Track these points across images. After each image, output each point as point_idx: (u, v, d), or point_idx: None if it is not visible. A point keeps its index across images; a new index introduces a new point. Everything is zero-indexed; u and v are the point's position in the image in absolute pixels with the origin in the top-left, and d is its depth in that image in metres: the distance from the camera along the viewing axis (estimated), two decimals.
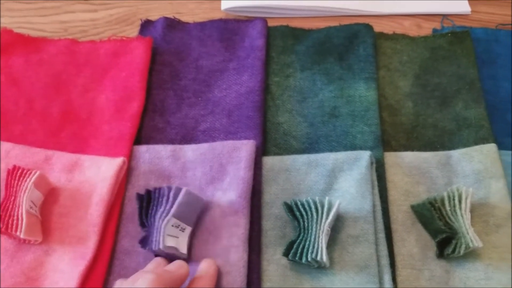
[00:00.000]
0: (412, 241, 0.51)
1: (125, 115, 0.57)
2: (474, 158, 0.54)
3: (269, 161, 0.55)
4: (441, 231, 0.48)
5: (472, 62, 0.63)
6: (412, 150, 0.57)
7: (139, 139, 0.57)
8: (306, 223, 0.48)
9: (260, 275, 0.48)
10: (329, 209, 0.47)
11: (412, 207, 0.52)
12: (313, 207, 0.48)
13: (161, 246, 0.46)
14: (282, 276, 0.49)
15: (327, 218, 0.47)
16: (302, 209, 0.48)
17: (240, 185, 0.50)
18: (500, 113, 0.60)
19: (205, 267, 0.46)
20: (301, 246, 0.47)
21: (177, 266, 0.44)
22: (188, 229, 0.49)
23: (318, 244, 0.46)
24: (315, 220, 0.47)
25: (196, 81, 0.62)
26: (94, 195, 0.51)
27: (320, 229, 0.47)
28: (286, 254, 0.47)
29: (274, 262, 0.49)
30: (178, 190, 0.48)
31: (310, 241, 0.47)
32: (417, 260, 0.50)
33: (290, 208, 0.49)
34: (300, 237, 0.47)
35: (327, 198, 0.48)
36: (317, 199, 0.48)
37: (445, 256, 0.49)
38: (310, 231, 0.47)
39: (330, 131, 0.58)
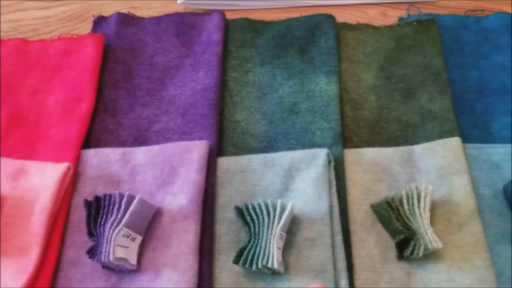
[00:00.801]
0: (372, 243, 0.48)
1: (73, 117, 0.55)
2: (437, 153, 0.52)
3: (224, 162, 0.53)
4: (399, 232, 0.46)
5: (438, 51, 0.60)
6: (375, 145, 0.54)
7: (88, 142, 0.54)
8: (257, 228, 0.45)
9: (211, 284, 0.46)
10: (282, 212, 0.45)
11: (372, 206, 0.50)
12: (264, 210, 0.45)
13: (111, 258, 0.43)
14: (235, 284, 0.46)
15: (279, 222, 0.45)
16: (253, 213, 0.46)
17: (191, 188, 0.48)
18: (467, 104, 0.58)
19: None
20: (251, 252, 0.44)
21: None
22: (139, 239, 0.47)
23: (269, 250, 0.44)
24: (266, 225, 0.45)
25: (150, 79, 0.59)
26: (37, 203, 0.48)
27: (271, 234, 0.45)
28: (236, 261, 0.45)
29: (227, 270, 0.47)
30: (131, 198, 0.46)
31: (261, 247, 0.44)
32: (376, 262, 0.47)
33: (241, 213, 0.46)
34: (251, 243, 0.45)
35: (279, 200, 0.46)
36: (269, 202, 0.46)
37: (405, 258, 0.47)
38: (261, 237, 0.45)
39: (290, 129, 0.55)
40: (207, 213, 0.49)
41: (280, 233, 0.45)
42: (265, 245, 0.44)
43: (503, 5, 0.67)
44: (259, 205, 0.46)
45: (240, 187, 0.51)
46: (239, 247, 0.46)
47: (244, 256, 0.45)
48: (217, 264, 0.47)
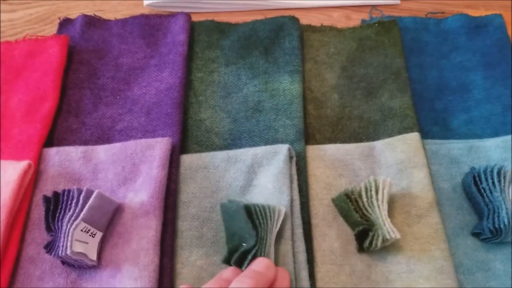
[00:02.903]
0: (333, 236, 0.49)
1: (36, 116, 0.55)
2: (397, 148, 0.53)
3: (187, 159, 0.53)
4: (358, 223, 0.47)
5: (399, 51, 0.62)
6: (337, 142, 0.55)
7: (52, 142, 0.54)
8: (262, 233, 0.44)
9: (172, 279, 0.46)
10: (279, 217, 0.45)
11: (332, 200, 0.50)
12: (268, 214, 0.45)
13: (68, 252, 0.43)
14: (197, 279, 0.46)
15: (276, 227, 0.45)
16: (260, 217, 0.44)
17: (152, 184, 0.48)
18: (427, 102, 0.59)
19: (264, 265, 0.42)
20: (256, 256, 0.44)
21: (266, 266, 0.41)
22: (99, 234, 0.46)
23: (271, 256, 0.44)
24: (269, 229, 0.44)
25: (115, 79, 0.59)
26: None
27: (271, 238, 0.45)
28: (239, 264, 0.44)
29: (189, 264, 0.47)
30: (90, 192, 0.45)
31: (265, 252, 0.44)
32: (338, 255, 0.48)
33: (250, 214, 0.44)
34: (256, 247, 0.43)
35: (277, 206, 0.46)
36: (270, 205, 0.45)
37: (365, 249, 0.47)
38: (264, 242, 0.44)
39: (253, 126, 0.56)
40: (168, 209, 0.49)
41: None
42: (268, 250, 0.44)
43: (463, 8, 0.69)
44: (263, 208, 0.45)
45: (203, 184, 0.51)
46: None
47: (247, 260, 0.43)
48: (179, 260, 0.47)
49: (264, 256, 0.43)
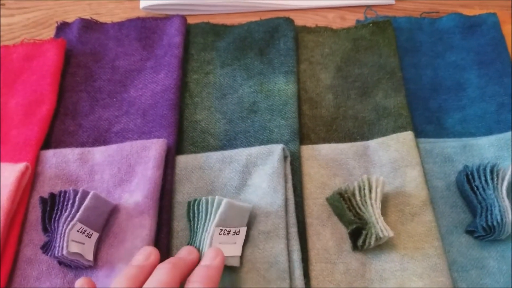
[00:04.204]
0: (328, 235, 0.49)
1: (34, 119, 0.55)
2: (391, 147, 0.53)
3: (182, 160, 0.53)
4: (352, 222, 0.47)
5: (393, 51, 0.62)
6: (331, 142, 0.56)
7: (49, 144, 0.55)
8: (196, 225, 0.46)
9: None
10: (217, 209, 0.45)
11: (327, 199, 0.51)
12: (203, 207, 0.46)
13: (64, 252, 0.43)
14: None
15: (214, 219, 0.45)
16: (196, 210, 0.46)
17: (147, 185, 0.48)
18: (422, 101, 0.60)
19: (211, 256, 0.42)
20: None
21: (188, 251, 0.44)
22: (95, 235, 0.47)
23: (202, 247, 0.45)
24: (203, 222, 0.46)
25: (111, 81, 0.60)
26: None
27: (205, 231, 0.45)
28: None
29: None
30: (85, 193, 0.46)
31: (196, 243, 0.45)
32: (332, 253, 0.48)
33: (188, 208, 0.47)
34: (190, 241, 0.46)
35: (217, 197, 0.46)
36: (209, 198, 0.46)
37: (359, 248, 0.47)
38: (198, 234, 0.46)
39: (248, 127, 0.56)
40: (164, 210, 0.49)
41: (221, 229, 0.45)
42: (199, 242, 0.45)
43: (457, 7, 0.69)
44: (200, 201, 0.46)
45: (198, 184, 0.52)
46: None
47: None
48: None
49: (196, 247, 0.45)
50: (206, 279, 0.39)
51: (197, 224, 0.46)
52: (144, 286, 0.38)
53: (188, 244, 0.46)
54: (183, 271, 0.41)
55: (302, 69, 0.62)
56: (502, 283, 0.47)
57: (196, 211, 0.47)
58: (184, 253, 0.44)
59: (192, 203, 0.47)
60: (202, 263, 0.42)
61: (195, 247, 0.45)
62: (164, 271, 0.39)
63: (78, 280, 0.41)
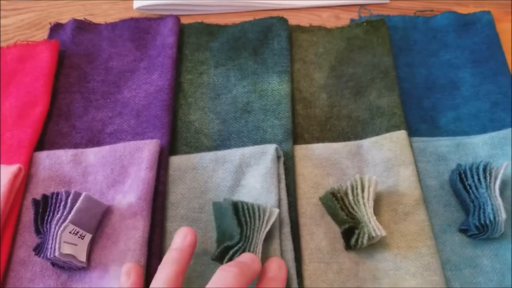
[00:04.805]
0: (321, 234, 0.49)
1: (27, 121, 0.55)
2: (384, 146, 0.53)
3: (176, 160, 0.53)
4: (344, 221, 0.47)
5: (387, 50, 0.62)
6: (325, 142, 0.55)
7: (42, 146, 0.55)
8: (248, 231, 0.44)
9: None
10: (270, 217, 0.45)
11: (320, 199, 0.51)
12: (257, 214, 0.45)
13: (56, 254, 0.43)
14: (186, 279, 0.47)
15: (266, 227, 0.45)
16: (247, 215, 0.45)
17: (140, 186, 0.49)
18: (416, 100, 0.60)
19: (275, 267, 0.42)
20: (238, 253, 0.43)
21: (252, 260, 0.41)
22: (88, 236, 0.47)
23: (256, 254, 0.44)
24: (256, 228, 0.45)
25: (105, 82, 0.60)
26: None
27: (259, 238, 0.45)
28: (220, 259, 0.44)
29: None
30: (77, 195, 0.46)
31: (249, 250, 0.44)
32: (325, 253, 0.48)
33: (237, 211, 0.45)
34: (240, 244, 0.44)
35: (269, 206, 0.46)
36: (260, 205, 0.45)
37: (352, 247, 0.47)
38: (250, 240, 0.44)
39: (242, 127, 0.56)
40: (157, 210, 0.49)
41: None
42: (253, 249, 0.44)
43: (452, 5, 0.69)
44: (252, 207, 0.45)
45: (191, 184, 0.52)
46: (223, 246, 0.44)
47: (229, 255, 0.43)
48: None
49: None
50: None
51: (250, 230, 0.45)
52: (207, 286, 0.38)
53: (236, 247, 0.44)
54: (248, 280, 0.39)
55: (296, 68, 0.62)
56: (496, 281, 0.47)
57: (248, 216, 0.45)
58: (248, 260, 0.41)
59: (242, 207, 0.45)
60: (269, 273, 0.41)
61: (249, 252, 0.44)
62: (231, 275, 0.38)
63: (125, 265, 0.42)
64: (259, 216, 0.45)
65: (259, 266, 0.42)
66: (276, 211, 0.46)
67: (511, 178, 0.51)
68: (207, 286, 0.38)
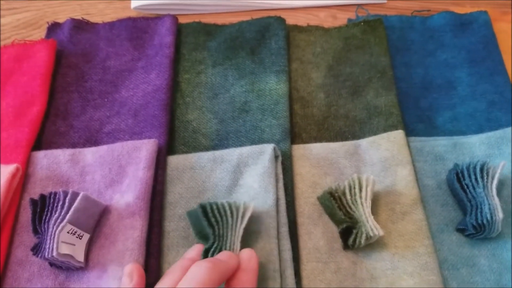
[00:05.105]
0: (319, 234, 0.49)
1: (24, 120, 0.55)
2: (382, 145, 0.53)
3: (173, 160, 0.53)
4: (342, 221, 0.47)
5: (385, 50, 0.62)
6: (323, 141, 0.56)
7: (40, 145, 0.55)
8: (221, 230, 0.45)
9: (158, 279, 0.46)
10: (244, 213, 0.45)
11: (318, 198, 0.51)
12: (228, 211, 0.45)
13: (54, 254, 0.43)
14: None
15: (241, 223, 0.45)
16: (217, 214, 0.45)
17: (138, 186, 0.48)
18: (413, 100, 0.60)
19: (246, 258, 0.42)
20: (215, 253, 0.43)
21: (228, 256, 0.41)
22: (86, 236, 0.47)
23: (233, 251, 0.44)
24: (230, 226, 0.45)
25: (102, 82, 0.60)
26: None
27: (235, 235, 0.45)
28: None
29: None
30: (75, 195, 0.46)
31: (225, 248, 0.44)
32: (323, 253, 0.48)
33: (205, 212, 0.45)
34: (215, 245, 0.44)
35: (243, 201, 0.46)
36: (232, 202, 0.45)
37: (350, 247, 0.48)
38: (225, 238, 0.45)
39: (240, 127, 0.56)
40: (155, 210, 0.49)
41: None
42: (230, 246, 0.44)
43: (449, 5, 0.69)
44: (222, 205, 0.45)
45: (189, 184, 0.52)
46: (189, 243, 0.46)
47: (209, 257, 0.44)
48: (166, 260, 0.48)
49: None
50: (247, 283, 0.40)
51: (223, 229, 0.45)
52: (180, 283, 0.38)
53: (212, 248, 0.44)
54: (223, 274, 0.39)
55: (293, 68, 0.62)
56: (493, 281, 0.47)
57: (219, 215, 0.45)
58: (225, 257, 0.41)
59: (211, 207, 0.45)
60: (240, 265, 0.41)
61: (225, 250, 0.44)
62: (203, 270, 0.38)
63: (127, 265, 0.42)
64: (232, 213, 0.45)
65: (236, 262, 0.42)
66: (252, 205, 0.46)
67: (510, 177, 0.51)
68: (180, 282, 0.38)
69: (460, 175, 0.49)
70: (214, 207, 0.45)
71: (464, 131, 0.57)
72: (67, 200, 0.45)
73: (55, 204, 0.45)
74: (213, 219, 0.45)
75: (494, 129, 0.55)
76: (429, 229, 0.49)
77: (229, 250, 0.44)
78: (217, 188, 0.51)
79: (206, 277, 0.37)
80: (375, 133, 0.55)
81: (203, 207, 0.45)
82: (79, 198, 0.45)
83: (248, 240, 0.48)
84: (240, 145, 0.55)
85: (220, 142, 0.56)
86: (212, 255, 0.43)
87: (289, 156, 0.53)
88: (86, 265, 0.46)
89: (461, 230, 0.49)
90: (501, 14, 0.66)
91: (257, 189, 0.50)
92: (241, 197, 0.50)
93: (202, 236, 0.46)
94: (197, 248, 0.44)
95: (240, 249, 0.44)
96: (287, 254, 0.47)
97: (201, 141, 0.56)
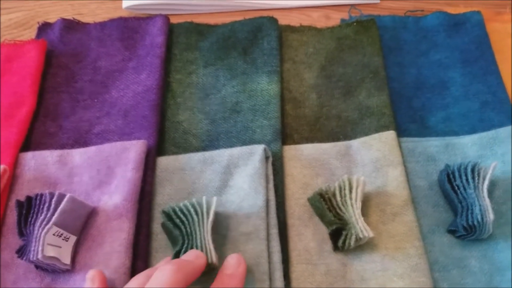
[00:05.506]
0: (309, 235, 0.49)
1: (13, 121, 0.55)
2: (373, 146, 0.53)
3: (163, 161, 0.53)
4: (332, 222, 0.47)
5: (377, 50, 0.62)
6: (315, 142, 0.55)
7: (28, 146, 0.54)
8: (188, 229, 0.45)
9: None
10: (209, 208, 0.45)
11: (308, 200, 0.50)
12: (191, 209, 0.45)
13: (39, 256, 0.43)
14: None
15: (208, 218, 0.45)
16: (181, 215, 0.45)
17: (126, 187, 0.48)
18: (405, 100, 0.59)
19: (233, 264, 0.42)
20: None
21: (195, 255, 0.41)
22: (73, 238, 0.46)
23: (206, 246, 0.44)
24: (197, 223, 0.45)
25: (93, 82, 0.59)
26: None
27: (204, 230, 0.45)
28: None
29: None
30: (61, 196, 0.45)
31: (197, 246, 0.44)
32: (313, 254, 0.48)
33: (169, 216, 0.46)
34: (185, 245, 0.44)
35: (204, 197, 0.46)
36: (194, 200, 0.46)
37: (340, 248, 0.47)
38: (194, 236, 0.45)
39: (231, 127, 0.56)
40: (143, 211, 0.49)
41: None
42: (201, 242, 0.44)
43: (442, 5, 0.68)
44: (185, 205, 0.46)
45: (179, 185, 0.51)
46: (173, 254, 0.45)
47: None
48: (154, 262, 0.47)
49: (199, 250, 0.44)
50: None
51: (190, 227, 0.45)
52: (146, 285, 0.37)
53: (183, 248, 0.44)
54: (189, 275, 0.39)
55: (285, 68, 0.62)
56: (483, 282, 0.46)
57: (183, 216, 0.45)
58: (191, 256, 0.41)
59: (174, 210, 0.45)
60: (226, 271, 0.41)
61: (196, 248, 0.44)
62: (166, 273, 0.37)
63: (89, 271, 0.42)
64: (196, 210, 0.45)
65: (203, 260, 0.41)
66: (214, 199, 0.46)
67: (502, 178, 0.51)
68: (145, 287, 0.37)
69: (451, 176, 0.49)
70: (177, 209, 0.45)
71: (457, 132, 0.56)
72: (53, 202, 0.45)
73: (41, 206, 0.45)
74: (177, 220, 0.45)
75: (487, 130, 0.55)
76: (420, 231, 0.48)
77: (201, 246, 0.44)
78: (207, 190, 0.51)
79: (171, 279, 0.37)
80: (367, 134, 0.55)
81: (165, 213, 0.46)
82: (65, 199, 0.45)
83: (237, 241, 0.47)
84: (231, 146, 0.54)
85: (210, 143, 0.55)
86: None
87: (280, 157, 0.53)
88: (72, 267, 0.46)
89: (452, 232, 0.49)
90: (494, 14, 0.66)
91: (247, 190, 0.49)
92: (231, 198, 0.50)
93: (174, 242, 0.46)
94: (167, 260, 0.44)
95: (214, 246, 0.44)
96: (277, 256, 0.46)
97: (191, 142, 0.56)
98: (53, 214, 0.44)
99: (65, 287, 0.46)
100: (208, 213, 0.45)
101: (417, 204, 0.51)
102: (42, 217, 0.44)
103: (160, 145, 0.55)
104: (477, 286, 0.46)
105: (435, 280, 0.47)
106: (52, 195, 0.45)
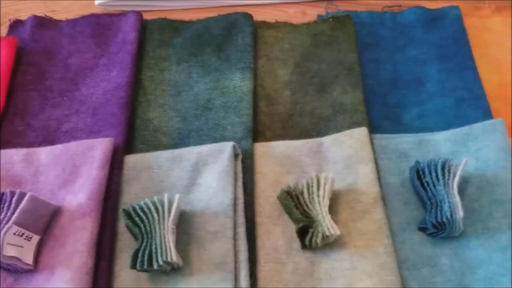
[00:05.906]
0: (278, 234, 0.48)
1: None
2: (344, 143, 0.52)
3: (131, 159, 0.52)
4: (299, 220, 0.46)
5: (353, 46, 0.61)
6: (287, 139, 0.54)
7: None
8: (148, 227, 0.44)
9: (109, 282, 0.45)
10: (170, 206, 0.44)
11: (277, 198, 0.49)
12: (152, 208, 0.44)
13: None
14: (135, 281, 0.46)
15: (169, 216, 0.44)
16: (141, 213, 0.44)
17: (90, 186, 0.47)
18: (380, 96, 0.59)
19: None
20: (147, 252, 0.43)
21: None
22: (36, 238, 0.46)
23: (165, 245, 0.43)
24: (157, 221, 0.44)
25: (63, 80, 0.59)
26: None
27: (164, 228, 0.44)
28: (133, 266, 0.43)
29: (128, 267, 0.46)
30: (22, 195, 0.45)
31: (156, 244, 0.43)
32: (281, 253, 0.47)
33: (128, 215, 0.45)
34: (144, 243, 0.44)
35: (166, 195, 0.45)
36: (155, 198, 0.45)
37: (307, 246, 0.46)
38: (154, 234, 0.44)
39: (202, 125, 0.55)
40: (108, 211, 0.48)
41: (172, 227, 0.44)
42: (160, 241, 0.43)
43: (420, 0, 0.67)
44: (146, 204, 0.45)
45: (146, 184, 0.50)
46: (132, 252, 0.44)
47: (140, 257, 0.43)
48: (118, 262, 0.47)
49: (159, 247, 0.43)
50: None
51: (150, 225, 0.44)
52: None
53: (142, 247, 0.43)
54: None
55: (260, 65, 0.61)
56: (454, 281, 0.46)
57: (143, 214, 0.44)
58: None
59: (134, 208, 0.45)
60: None
61: (156, 246, 0.43)
62: None
63: None
64: (156, 208, 0.45)
65: None
66: (177, 196, 0.46)
67: (475, 175, 0.50)
68: None
69: (420, 172, 0.48)
70: (137, 207, 0.45)
71: (432, 128, 0.55)
72: (13, 201, 0.44)
73: (1, 205, 0.44)
74: (137, 218, 0.45)
75: (462, 126, 0.54)
76: (389, 228, 0.47)
77: (160, 244, 0.43)
78: (175, 188, 0.50)
79: None
80: (339, 131, 0.54)
81: (125, 211, 0.45)
82: (26, 198, 0.44)
83: (203, 240, 0.46)
84: (201, 144, 0.53)
85: (181, 141, 0.55)
86: (142, 256, 0.43)
87: (251, 155, 0.52)
88: (35, 267, 0.45)
89: (423, 229, 0.48)
90: (473, 9, 0.65)
91: (215, 188, 0.48)
92: (200, 196, 0.49)
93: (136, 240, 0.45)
94: None
95: (174, 244, 0.44)
96: (243, 255, 0.46)
97: (161, 140, 0.55)
98: (13, 213, 0.43)
99: (28, 287, 0.45)
100: (169, 211, 0.44)
101: (388, 201, 0.50)
102: (1, 216, 0.43)
103: (130, 143, 0.54)
104: (447, 285, 0.45)
105: (404, 278, 0.46)
106: (12, 194, 0.44)
